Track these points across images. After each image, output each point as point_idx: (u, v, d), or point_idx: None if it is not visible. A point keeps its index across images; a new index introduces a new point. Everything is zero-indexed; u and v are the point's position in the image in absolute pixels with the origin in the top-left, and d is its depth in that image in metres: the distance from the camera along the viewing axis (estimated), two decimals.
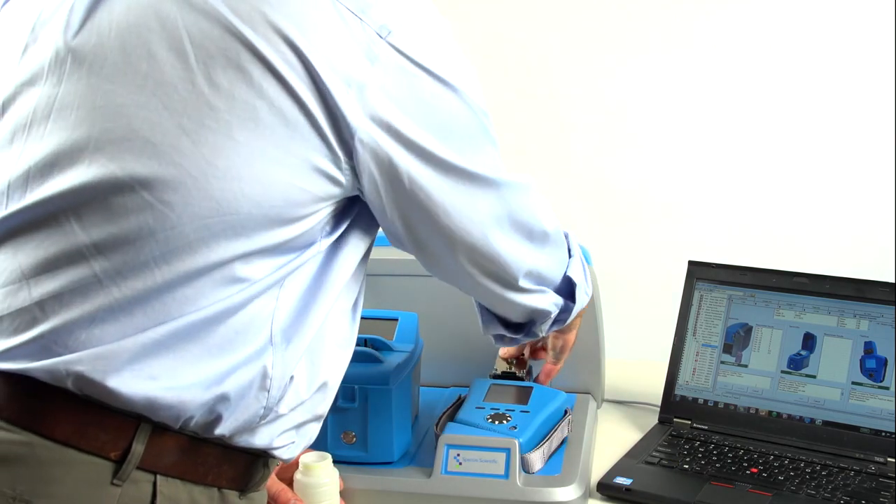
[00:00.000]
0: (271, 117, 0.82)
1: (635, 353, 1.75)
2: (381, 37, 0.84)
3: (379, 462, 1.20)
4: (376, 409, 1.19)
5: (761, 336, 1.40)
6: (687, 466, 1.27)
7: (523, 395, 1.28)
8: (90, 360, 0.82)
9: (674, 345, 1.45)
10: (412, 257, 0.99)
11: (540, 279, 1.08)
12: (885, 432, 1.31)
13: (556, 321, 1.15)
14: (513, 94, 2.66)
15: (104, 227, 0.83)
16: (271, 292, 0.87)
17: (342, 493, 1.16)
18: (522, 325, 1.14)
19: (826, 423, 1.35)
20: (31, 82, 0.88)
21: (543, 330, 1.14)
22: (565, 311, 1.14)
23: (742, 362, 1.40)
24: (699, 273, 1.45)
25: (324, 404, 0.96)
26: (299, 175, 0.84)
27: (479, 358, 1.41)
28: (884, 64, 2.56)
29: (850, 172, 2.63)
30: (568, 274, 1.13)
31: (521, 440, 1.17)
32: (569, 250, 1.14)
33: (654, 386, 1.46)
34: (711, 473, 1.25)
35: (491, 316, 1.14)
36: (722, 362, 1.41)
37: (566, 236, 1.15)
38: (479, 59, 2.62)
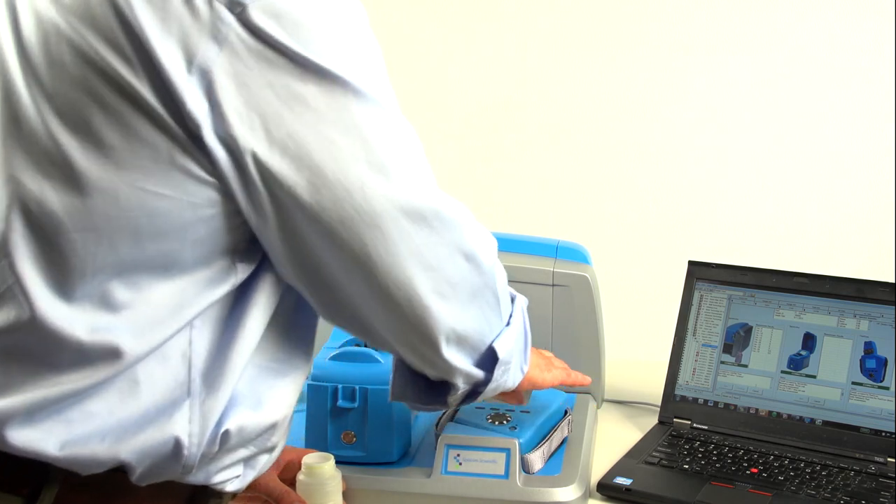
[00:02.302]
0: (102, 116, 0.72)
1: (635, 353, 1.75)
2: (231, 12, 0.71)
3: (379, 462, 1.20)
4: (376, 409, 1.19)
5: (761, 336, 1.40)
6: (687, 466, 1.27)
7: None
8: None
9: (674, 345, 1.45)
10: None
11: (462, 343, 0.89)
12: (885, 432, 1.31)
13: (469, 395, 0.96)
14: (512, 94, 2.66)
15: None
16: (182, 335, 0.78)
17: (343, 494, 1.16)
18: (435, 391, 0.97)
19: (826, 423, 1.35)
20: None
21: (451, 402, 0.97)
22: (482, 384, 0.95)
23: (742, 362, 1.40)
24: (699, 273, 1.45)
25: (274, 438, 0.86)
26: (151, 179, 0.74)
27: None
28: (884, 64, 2.56)
29: (850, 173, 2.64)
30: (493, 345, 0.93)
31: (521, 440, 1.17)
32: (510, 318, 0.96)
33: (654, 386, 1.46)
34: (711, 473, 1.25)
35: (405, 377, 0.98)
36: (722, 362, 1.41)
37: (513, 300, 0.97)
38: (477, 60, 2.63)
